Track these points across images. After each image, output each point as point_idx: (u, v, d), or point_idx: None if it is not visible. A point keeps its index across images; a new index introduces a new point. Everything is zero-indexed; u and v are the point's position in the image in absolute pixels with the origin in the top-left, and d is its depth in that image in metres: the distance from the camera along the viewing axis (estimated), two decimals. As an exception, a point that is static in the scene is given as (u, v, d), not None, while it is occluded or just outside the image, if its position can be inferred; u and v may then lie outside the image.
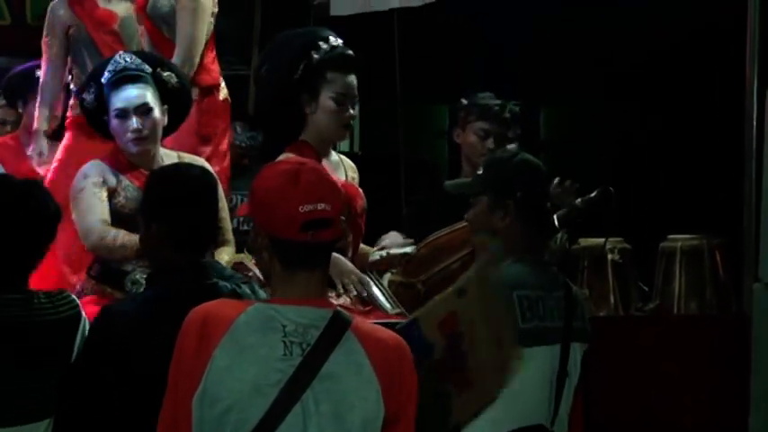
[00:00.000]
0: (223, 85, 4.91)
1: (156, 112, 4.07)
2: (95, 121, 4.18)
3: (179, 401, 2.54)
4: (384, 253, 4.17)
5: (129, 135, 4.02)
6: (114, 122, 4.04)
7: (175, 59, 4.57)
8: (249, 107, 4.86)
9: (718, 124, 7.52)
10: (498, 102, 4.75)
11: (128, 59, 4.10)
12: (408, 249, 4.15)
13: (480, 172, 3.54)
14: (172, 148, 4.26)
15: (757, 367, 4.04)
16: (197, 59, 4.69)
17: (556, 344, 3.33)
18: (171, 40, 4.72)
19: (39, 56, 5.18)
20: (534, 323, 3.30)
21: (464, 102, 4.82)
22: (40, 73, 5.10)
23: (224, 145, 4.84)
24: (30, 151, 4.91)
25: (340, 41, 4.10)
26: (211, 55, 4.86)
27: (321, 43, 4.04)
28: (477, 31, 9.25)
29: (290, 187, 2.58)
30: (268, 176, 2.64)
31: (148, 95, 4.06)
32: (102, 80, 4.06)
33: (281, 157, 3.83)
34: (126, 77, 4.05)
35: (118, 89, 4.03)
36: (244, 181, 4.67)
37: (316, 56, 4.02)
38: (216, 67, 4.83)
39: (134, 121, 4.01)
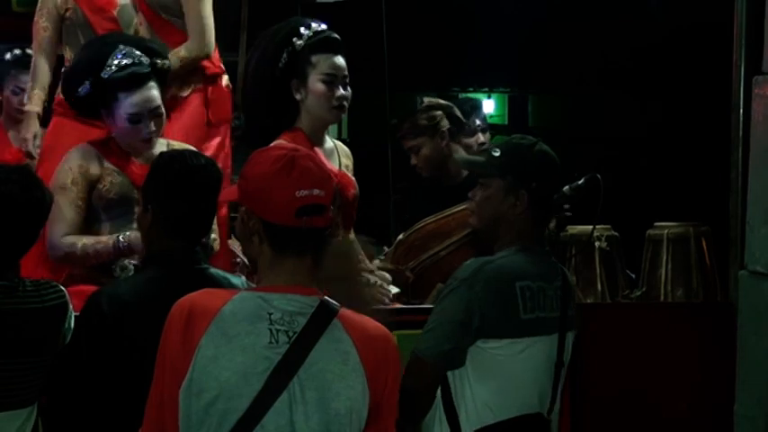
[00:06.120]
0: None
1: (164, 111, 4.09)
2: (84, 106, 4.16)
3: (165, 393, 2.53)
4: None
5: (144, 136, 4.03)
6: (126, 125, 4.01)
7: (190, 47, 4.57)
8: (237, 96, 4.87)
9: (706, 112, 7.53)
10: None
11: (126, 53, 4.05)
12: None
13: (497, 154, 3.39)
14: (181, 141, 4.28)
15: (742, 354, 4.05)
16: (212, 44, 4.68)
17: (554, 334, 3.29)
18: (170, 22, 4.71)
19: (24, 42, 5.15)
20: (535, 314, 3.25)
21: None
22: (9, 55, 5.07)
23: (227, 139, 4.83)
24: (24, 134, 4.81)
25: (324, 26, 4.10)
26: None
27: (302, 29, 4.05)
28: (468, 18, 9.25)
29: (286, 172, 2.57)
30: (262, 162, 2.62)
31: (158, 96, 4.06)
32: (104, 75, 4.00)
33: (274, 144, 3.81)
34: (134, 78, 4.01)
35: (129, 91, 4.00)
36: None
37: (299, 42, 4.03)
38: (217, 55, 4.83)
39: (149, 125, 4.01)
